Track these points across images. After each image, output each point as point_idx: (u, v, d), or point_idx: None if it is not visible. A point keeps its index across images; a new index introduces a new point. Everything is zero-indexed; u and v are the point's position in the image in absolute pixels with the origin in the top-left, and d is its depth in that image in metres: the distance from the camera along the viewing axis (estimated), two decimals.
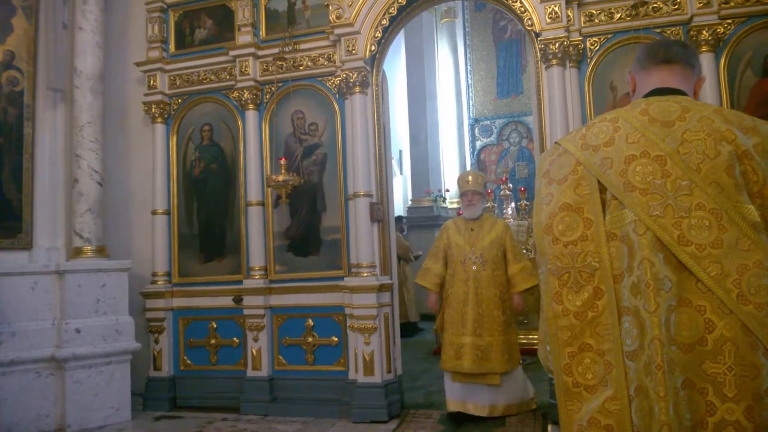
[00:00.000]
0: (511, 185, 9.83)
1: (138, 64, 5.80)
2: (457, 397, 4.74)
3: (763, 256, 1.45)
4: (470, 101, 11.75)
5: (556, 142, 1.82)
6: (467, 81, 11.77)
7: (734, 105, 4.40)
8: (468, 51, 11.80)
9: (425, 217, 10.65)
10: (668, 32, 4.51)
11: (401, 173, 12.07)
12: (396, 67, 11.78)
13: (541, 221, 1.67)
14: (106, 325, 5.16)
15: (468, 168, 11.68)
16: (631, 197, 1.54)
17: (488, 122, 11.61)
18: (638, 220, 1.53)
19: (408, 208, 11.36)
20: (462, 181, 5.07)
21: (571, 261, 1.60)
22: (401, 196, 11.91)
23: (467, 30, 11.79)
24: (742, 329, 1.42)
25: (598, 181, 1.61)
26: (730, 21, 4.42)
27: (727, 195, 1.48)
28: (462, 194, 5.00)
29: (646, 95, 1.74)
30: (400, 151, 12.05)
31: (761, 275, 1.44)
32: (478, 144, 11.67)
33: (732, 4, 4.41)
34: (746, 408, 1.40)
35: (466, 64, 11.79)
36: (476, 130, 11.70)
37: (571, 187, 1.64)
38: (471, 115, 11.75)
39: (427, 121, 11.17)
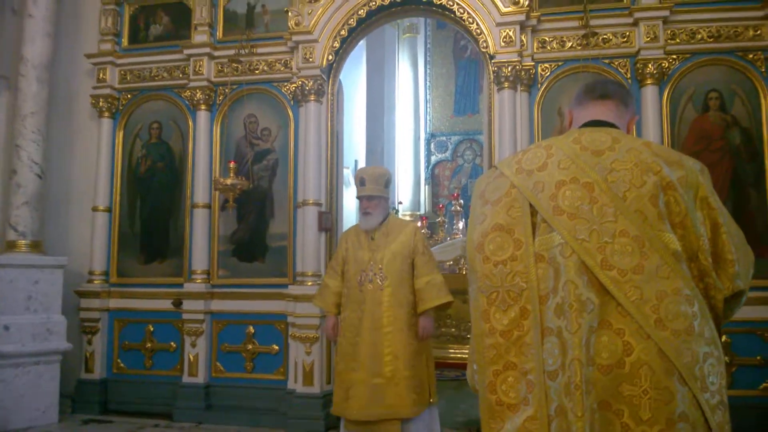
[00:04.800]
0: (462, 201, 9.93)
1: (88, 56, 5.64)
2: None
3: (682, 284, 1.50)
4: (428, 116, 11.86)
5: (494, 165, 1.85)
6: (426, 96, 11.87)
7: (675, 137, 4.58)
8: (428, 67, 11.91)
9: None
10: (616, 63, 4.67)
11: None
12: (356, 78, 11.77)
13: (474, 240, 1.69)
14: (36, 324, 4.96)
15: (422, 182, 11.75)
16: (560, 221, 1.57)
17: (444, 138, 11.72)
18: (565, 243, 1.56)
19: None
20: (357, 181, 3.95)
21: (500, 280, 1.62)
22: (354, 206, 11.88)
23: (428, 46, 11.90)
24: (658, 354, 1.46)
25: (531, 204, 1.64)
26: (675, 56, 4.61)
27: (651, 223, 1.53)
28: (357, 198, 3.95)
29: (580, 127, 1.78)
30: (356, 161, 12.03)
31: (679, 302, 1.49)
32: (433, 159, 11.76)
33: (677, 40, 4.60)
34: None
35: (425, 79, 11.89)
36: (432, 145, 11.79)
37: (504, 208, 1.66)
38: (428, 130, 11.84)
39: (384, 133, 11.20)
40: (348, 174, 11.76)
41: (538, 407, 1.54)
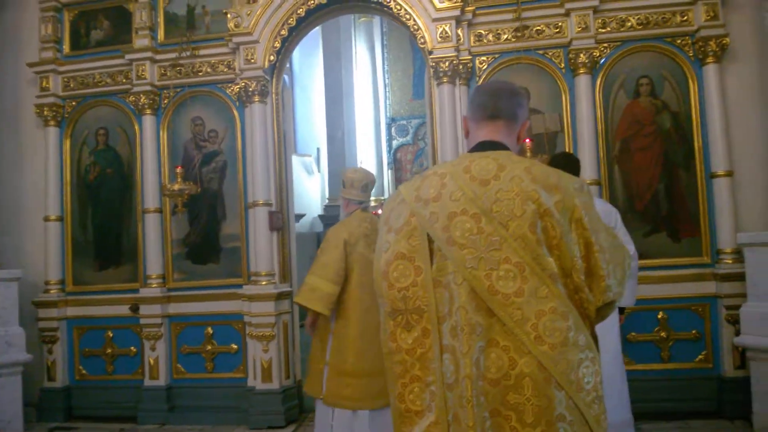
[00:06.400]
0: None
1: (30, 65, 5.57)
2: None
3: (558, 303, 1.67)
4: (387, 101, 11.90)
5: (397, 188, 1.96)
6: (384, 81, 11.91)
7: (608, 124, 4.73)
8: (385, 51, 11.92)
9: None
10: (550, 54, 4.79)
11: (319, 171, 12.11)
12: (314, 65, 11.76)
13: (380, 268, 1.84)
14: None
15: (385, 166, 11.84)
16: (452, 251, 1.72)
17: (404, 122, 11.81)
18: (457, 271, 1.70)
19: (325, 206, 11.43)
20: None
21: (404, 304, 1.79)
22: (319, 194, 11.96)
23: (384, 30, 11.90)
24: (538, 366, 1.64)
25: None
26: (606, 45, 4.74)
27: (531, 249, 1.68)
28: None
29: (472, 149, 1.89)
30: (318, 149, 12.08)
31: (555, 319, 1.66)
32: (395, 143, 11.86)
33: (608, 29, 4.73)
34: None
35: (383, 63, 11.91)
36: (393, 130, 11.88)
37: (405, 237, 1.81)
38: (388, 114, 11.90)
39: (344, 119, 11.25)
40: (310, 162, 11.84)
41: (439, 414, 1.73)
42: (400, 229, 1.81)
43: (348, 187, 3.91)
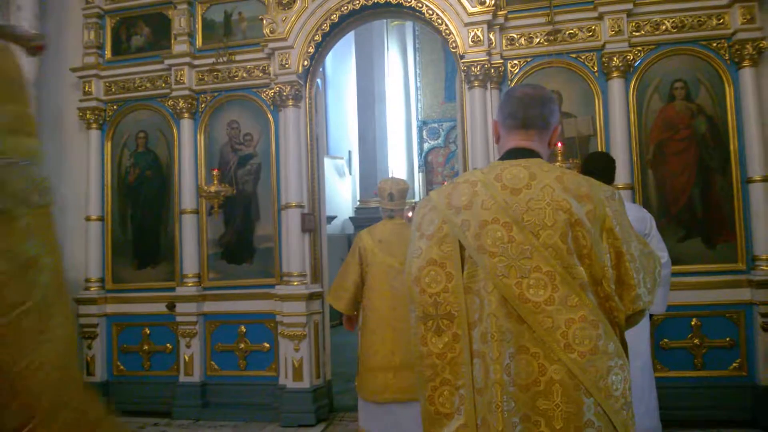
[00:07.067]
0: None
1: (73, 70, 5.78)
2: None
3: (588, 312, 1.70)
4: (418, 104, 11.94)
5: (428, 194, 2.01)
6: (416, 84, 11.94)
7: (642, 128, 4.70)
8: (417, 54, 11.97)
9: (373, 218, 10.79)
10: (583, 57, 4.77)
11: (350, 173, 12.20)
12: (347, 67, 11.86)
13: (412, 273, 1.89)
14: None
15: (416, 169, 11.88)
16: (483, 259, 1.76)
17: (436, 125, 11.82)
18: (488, 278, 1.74)
19: (356, 208, 11.51)
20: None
21: (435, 310, 1.83)
22: (350, 196, 12.05)
23: (416, 33, 11.94)
24: (567, 373, 1.67)
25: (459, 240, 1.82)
26: (639, 48, 4.71)
27: (561, 258, 1.71)
28: None
29: (504, 156, 1.92)
30: (350, 151, 12.17)
31: (585, 328, 1.69)
32: (426, 146, 11.88)
33: (642, 32, 4.69)
34: None
35: (415, 67, 11.96)
36: (424, 132, 11.90)
37: (437, 244, 1.85)
38: (419, 117, 11.94)
39: (376, 122, 11.32)
40: (342, 164, 11.94)
41: (468, 417, 1.77)
42: (432, 236, 1.86)
43: (379, 197, 4.21)
